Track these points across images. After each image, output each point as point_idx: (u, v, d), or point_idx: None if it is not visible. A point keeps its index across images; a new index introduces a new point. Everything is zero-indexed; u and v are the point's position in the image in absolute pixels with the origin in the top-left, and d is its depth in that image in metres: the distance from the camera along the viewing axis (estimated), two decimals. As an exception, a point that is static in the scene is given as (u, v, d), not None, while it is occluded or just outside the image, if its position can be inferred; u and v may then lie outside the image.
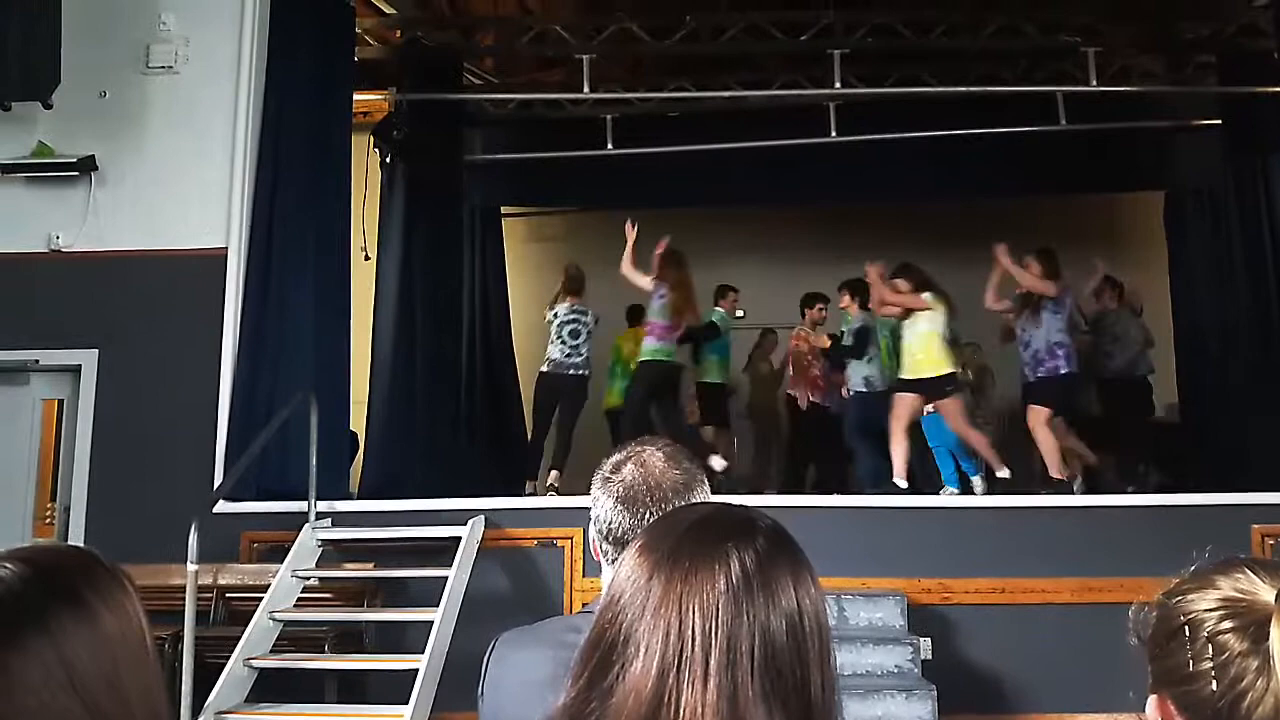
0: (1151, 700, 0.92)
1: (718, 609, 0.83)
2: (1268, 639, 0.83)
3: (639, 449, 1.48)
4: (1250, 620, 0.85)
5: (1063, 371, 6.41)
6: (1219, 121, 8.58)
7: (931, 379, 6.50)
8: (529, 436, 8.12)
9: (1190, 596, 0.90)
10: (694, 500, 1.41)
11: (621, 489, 1.43)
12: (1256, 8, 8.01)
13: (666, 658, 0.82)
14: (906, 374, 6.63)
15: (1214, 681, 0.85)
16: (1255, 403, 7.65)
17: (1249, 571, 0.89)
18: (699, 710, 0.80)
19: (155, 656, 0.98)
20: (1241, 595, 0.88)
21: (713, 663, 0.81)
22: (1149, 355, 7.85)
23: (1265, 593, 0.87)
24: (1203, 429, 8.33)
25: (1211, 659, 0.86)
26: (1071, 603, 5.40)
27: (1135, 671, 0.97)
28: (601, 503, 1.45)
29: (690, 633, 0.82)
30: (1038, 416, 6.40)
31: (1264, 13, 7.81)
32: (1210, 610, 0.88)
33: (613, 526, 1.43)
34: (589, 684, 0.85)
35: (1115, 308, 7.78)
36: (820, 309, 8.19)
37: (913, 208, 9.69)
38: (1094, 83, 8.19)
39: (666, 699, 0.81)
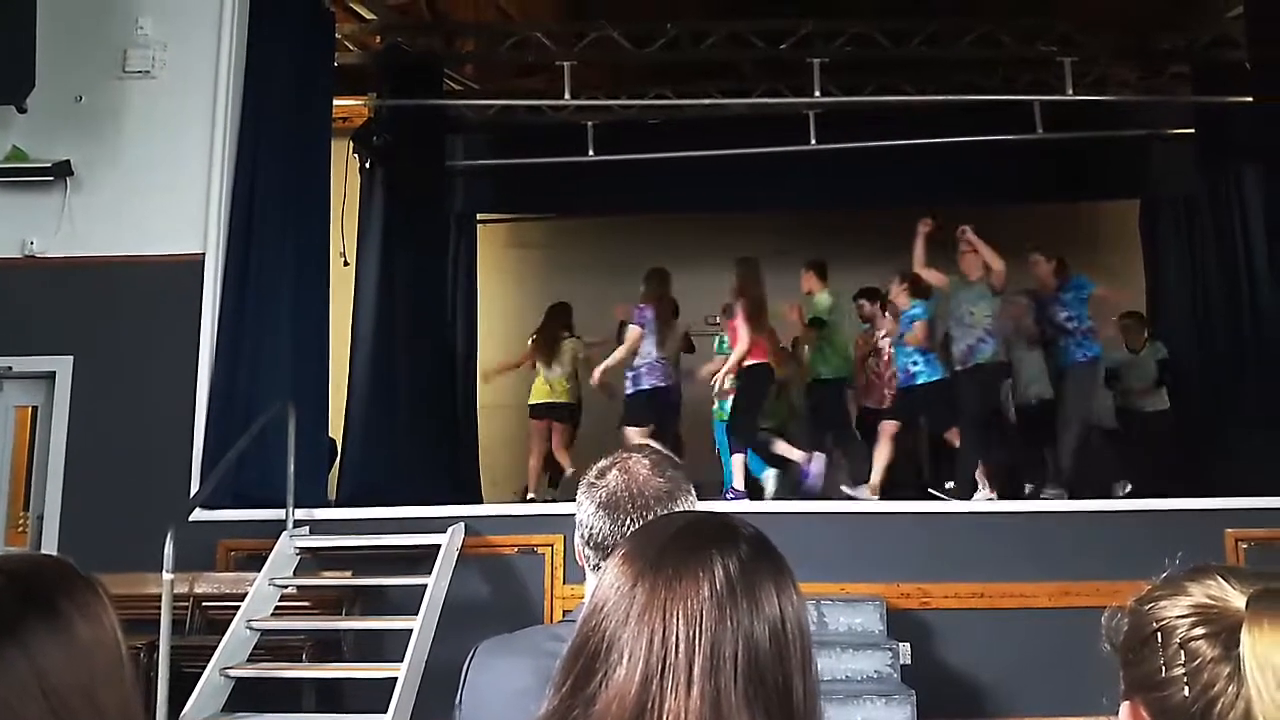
0: (1124, 706, 0.93)
1: (701, 616, 0.84)
2: (1239, 645, 0.84)
3: (625, 456, 1.48)
4: (1222, 627, 0.86)
5: (629, 391, 6.84)
6: (1193, 131, 8.70)
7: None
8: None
9: (1162, 603, 0.91)
10: (677, 508, 1.41)
11: (604, 495, 1.43)
12: (1229, 19, 8.12)
13: (650, 665, 0.82)
14: None
15: (1186, 688, 0.86)
16: (1230, 408, 7.73)
17: (1220, 578, 0.90)
18: (682, 717, 0.81)
19: (131, 668, 0.98)
20: (1213, 602, 0.89)
21: (696, 669, 0.82)
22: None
23: (1236, 599, 0.88)
24: (1179, 433, 8.41)
25: (1184, 665, 0.86)
26: (1049, 607, 5.44)
27: (1111, 676, 0.98)
28: (585, 508, 1.45)
29: (674, 640, 0.83)
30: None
31: (1237, 24, 7.92)
32: (1182, 617, 0.89)
33: (594, 532, 1.43)
34: (572, 691, 0.85)
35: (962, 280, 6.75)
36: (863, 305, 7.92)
37: (890, 215, 9.74)
38: (1070, 92, 8.28)
39: (650, 706, 0.81)
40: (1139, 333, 8.08)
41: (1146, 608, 0.92)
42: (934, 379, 6.81)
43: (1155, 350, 8.16)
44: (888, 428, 6.88)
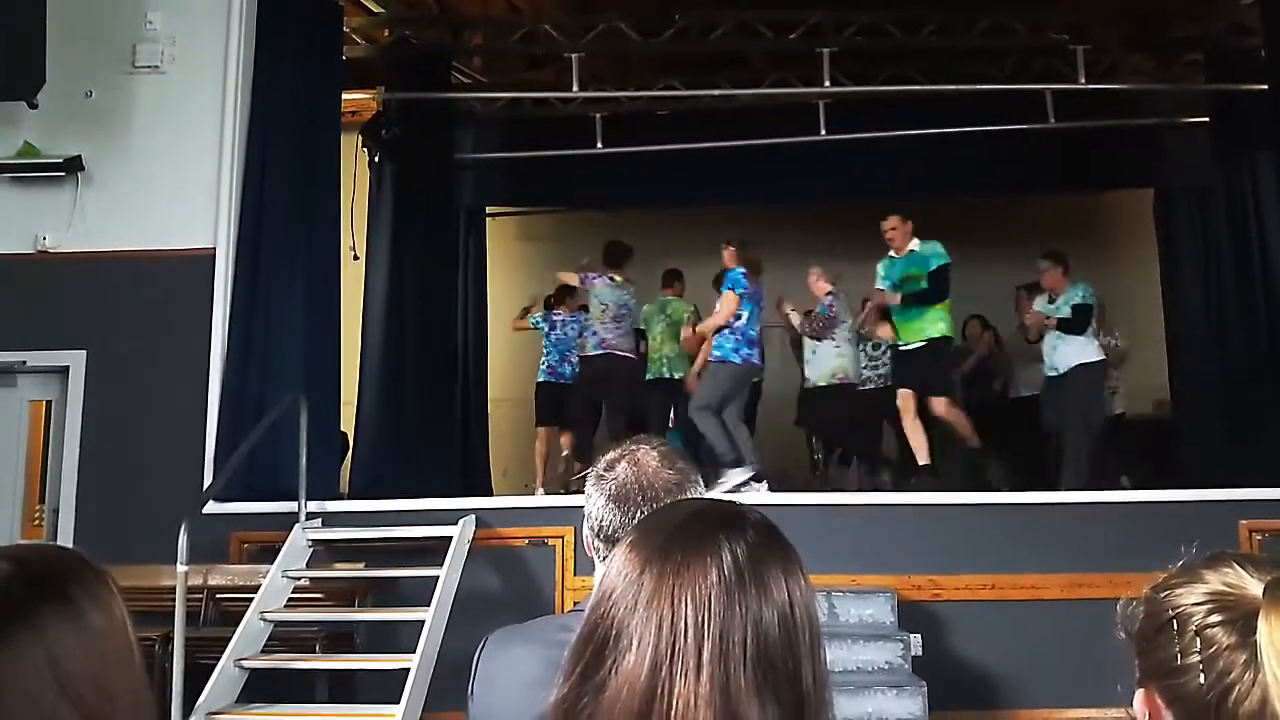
0: (1139, 694, 0.93)
1: (710, 601, 0.83)
2: (1255, 633, 0.84)
3: (634, 447, 1.48)
4: (1238, 614, 0.86)
5: None
6: (1207, 119, 8.63)
7: None
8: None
9: (1178, 591, 0.91)
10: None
11: (613, 487, 1.43)
12: (1244, 6, 8.04)
13: (659, 650, 0.82)
14: None
15: (1202, 675, 0.85)
16: (1244, 398, 7.69)
17: (1237, 566, 0.90)
18: (692, 702, 0.80)
19: (140, 656, 0.98)
20: (1229, 589, 0.88)
21: (705, 655, 0.82)
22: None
23: (1253, 587, 0.87)
24: (1194, 424, 8.37)
25: (1199, 652, 0.86)
26: (1061, 598, 5.42)
27: (1124, 667, 0.98)
28: (594, 500, 1.45)
29: (683, 625, 0.83)
30: None
31: (1251, 11, 7.85)
32: (1198, 604, 0.88)
33: (604, 524, 1.43)
34: (582, 678, 0.85)
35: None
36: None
37: (902, 206, 9.70)
38: (1083, 81, 8.23)
39: (659, 692, 0.81)
40: (1060, 278, 6.93)
41: (1162, 595, 0.92)
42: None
43: (1073, 294, 6.85)
44: None
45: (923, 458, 6.55)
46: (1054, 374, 6.81)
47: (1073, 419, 6.67)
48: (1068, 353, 6.70)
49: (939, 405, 6.65)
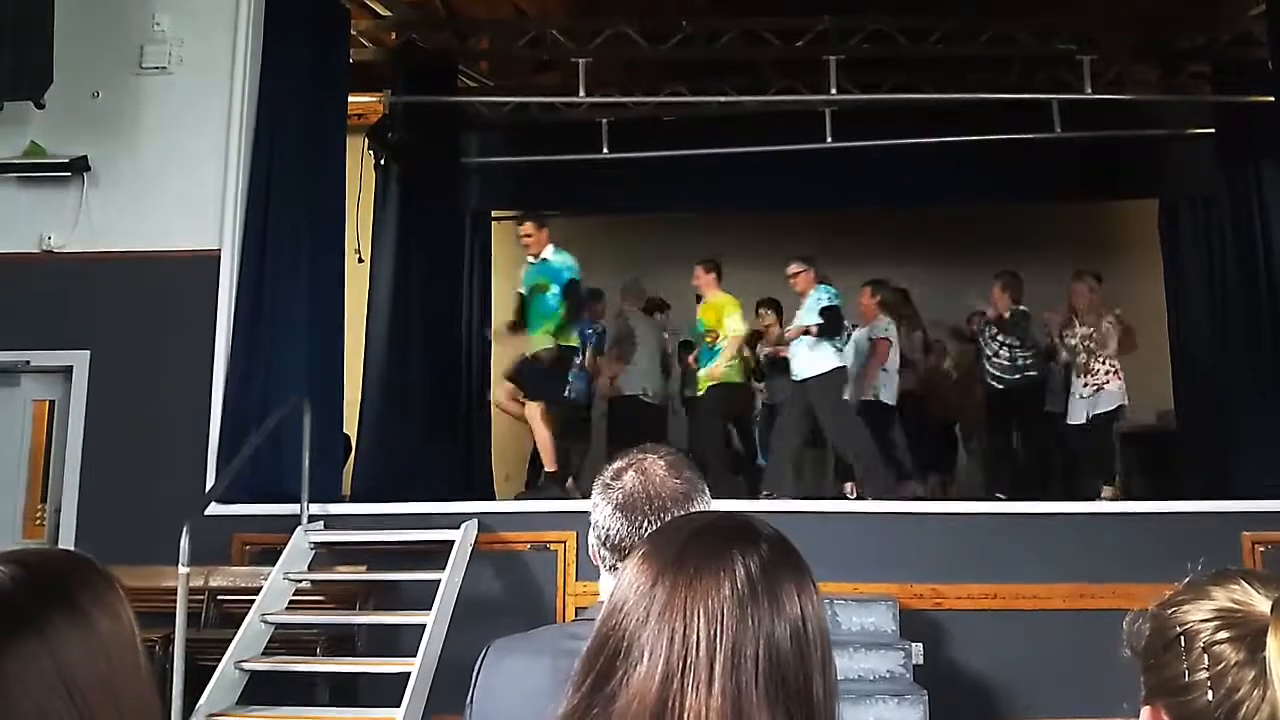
0: (1145, 710, 0.93)
1: (723, 614, 0.83)
2: (1264, 649, 0.83)
3: (641, 457, 1.47)
4: (1246, 631, 0.86)
5: None
6: (1213, 130, 8.63)
7: None
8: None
9: (1185, 607, 0.90)
10: (694, 510, 1.40)
11: (620, 496, 1.43)
12: (1251, 17, 8.05)
13: (671, 663, 0.82)
14: None
15: (1210, 692, 0.85)
16: (1250, 409, 7.67)
17: (1244, 582, 0.90)
18: (703, 715, 0.81)
19: (147, 660, 0.98)
20: (1237, 606, 0.88)
21: (717, 668, 0.82)
22: None
23: (1261, 603, 0.87)
24: (1197, 435, 8.35)
25: (1207, 669, 0.86)
26: (1063, 609, 5.41)
27: (1128, 678, 0.97)
28: (600, 509, 1.45)
29: (695, 638, 0.83)
30: None
31: (1258, 22, 7.85)
32: (1206, 621, 0.88)
33: (610, 533, 1.43)
34: (592, 690, 0.85)
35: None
36: None
37: (907, 214, 9.71)
38: (1089, 90, 8.22)
39: (671, 705, 0.81)
40: (812, 279, 6.97)
41: (1169, 612, 0.91)
42: None
43: (816, 299, 6.87)
44: None
45: (548, 465, 6.75)
46: (796, 379, 6.90)
47: (830, 429, 6.85)
48: (805, 359, 6.80)
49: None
